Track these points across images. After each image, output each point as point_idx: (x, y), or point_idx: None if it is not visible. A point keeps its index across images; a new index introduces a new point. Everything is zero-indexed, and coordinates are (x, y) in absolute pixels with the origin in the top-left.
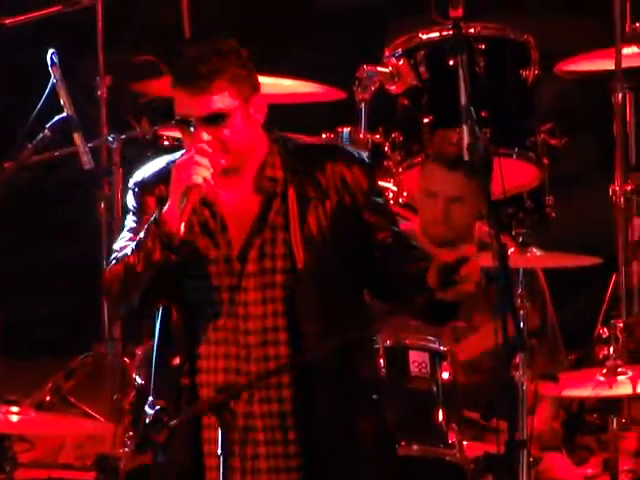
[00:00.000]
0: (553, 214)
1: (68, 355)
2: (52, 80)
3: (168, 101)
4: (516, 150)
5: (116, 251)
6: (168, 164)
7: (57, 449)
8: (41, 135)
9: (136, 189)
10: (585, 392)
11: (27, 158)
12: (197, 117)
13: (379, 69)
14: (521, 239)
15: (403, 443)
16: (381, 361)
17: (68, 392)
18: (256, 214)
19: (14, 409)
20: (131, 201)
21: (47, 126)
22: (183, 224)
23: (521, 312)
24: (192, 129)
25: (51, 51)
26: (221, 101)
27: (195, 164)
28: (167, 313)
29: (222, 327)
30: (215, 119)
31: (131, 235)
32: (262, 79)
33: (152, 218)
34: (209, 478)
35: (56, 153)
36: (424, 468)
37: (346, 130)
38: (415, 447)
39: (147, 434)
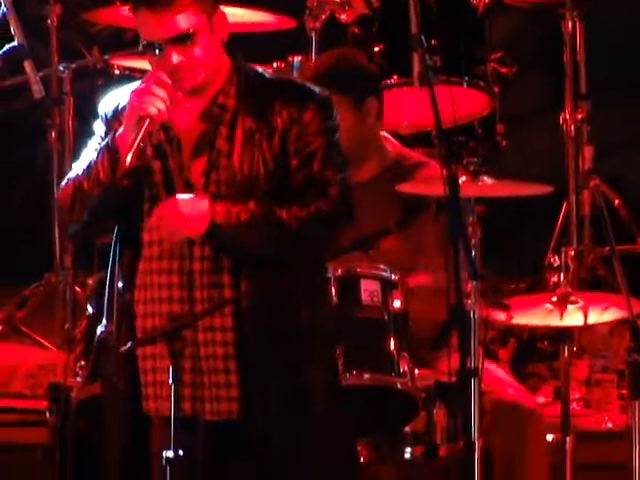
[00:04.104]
0: (504, 142)
1: (20, 285)
2: (2, 9)
3: (119, 30)
4: (466, 78)
5: (73, 171)
6: None
7: (8, 378)
8: None
9: (104, 114)
10: (535, 320)
11: None
12: (165, 39)
13: None
14: (472, 168)
15: (354, 372)
16: (332, 290)
17: (20, 321)
18: (204, 140)
19: None
20: (98, 125)
21: None
22: (131, 154)
23: (472, 241)
24: (157, 52)
25: None
26: (187, 20)
27: (151, 94)
28: (120, 237)
29: (167, 254)
30: (183, 39)
31: (90, 156)
32: None
33: (105, 141)
34: (145, 394)
35: (6, 82)
36: (375, 397)
37: (297, 59)
38: (366, 376)
39: (95, 359)
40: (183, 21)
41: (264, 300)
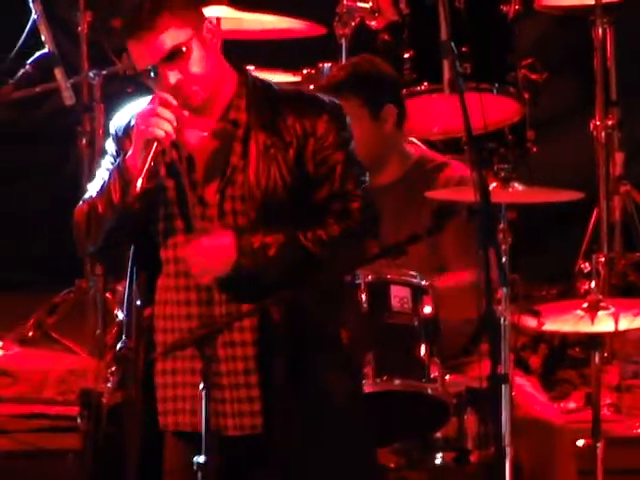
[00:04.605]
0: (534, 149)
1: (51, 291)
2: (33, 16)
3: None
4: (496, 85)
5: (89, 191)
6: None
7: (40, 384)
8: (22, 71)
9: (115, 132)
10: (566, 327)
11: (8, 94)
12: (156, 61)
13: (359, 4)
14: (503, 174)
15: (385, 377)
16: (363, 296)
17: (51, 327)
18: (218, 157)
19: None
20: (110, 144)
21: (28, 62)
22: (141, 179)
23: (503, 247)
24: (152, 75)
25: None
26: (171, 37)
27: (156, 116)
28: (137, 255)
29: (184, 272)
30: (173, 56)
31: (103, 176)
32: (243, 15)
33: (116, 162)
34: (163, 410)
35: (37, 89)
36: (406, 402)
37: (327, 66)
38: (397, 381)
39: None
40: (168, 39)
41: (285, 312)
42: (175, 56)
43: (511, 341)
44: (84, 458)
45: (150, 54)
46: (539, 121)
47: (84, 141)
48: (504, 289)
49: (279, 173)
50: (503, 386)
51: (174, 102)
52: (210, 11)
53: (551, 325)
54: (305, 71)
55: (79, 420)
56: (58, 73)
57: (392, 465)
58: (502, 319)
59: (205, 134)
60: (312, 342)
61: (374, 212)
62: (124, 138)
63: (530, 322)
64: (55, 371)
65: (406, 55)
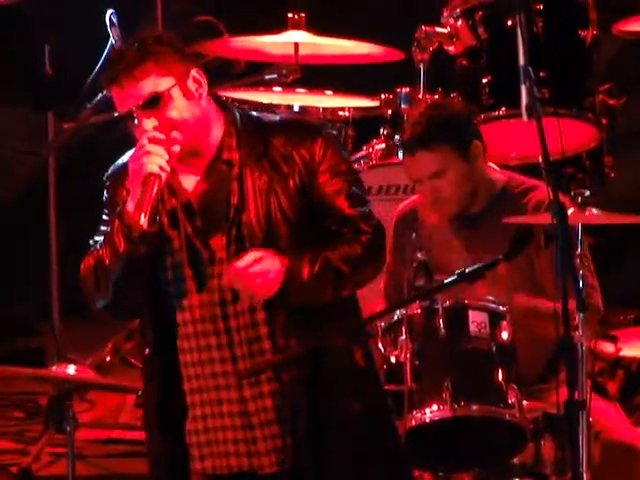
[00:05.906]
0: (612, 174)
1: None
2: (111, 41)
3: (226, 62)
4: (574, 110)
5: (92, 245)
6: None
7: (117, 409)
8: (100, 95)
9: (108, 182)
10: None
11: (86, 118)
12: (135, 108)
13: (437, 30)
14: (580, 199)
15: (462, 403)
16: (440, 321)
17: (128, 353)
18: (218, 199)
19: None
20: (105, 195)
21: None
22: (144, 215)
23: (580, 272)
24: (136, 122)
25: (110, 12)
26: (151, 84)
27: (147, 153)
28: (147, 307)
29: (199, 319)
30: (151, 103)
31: (105, 229)
32: (322, 40)
33: (117, 211)
34: (199, 454)
35: (115, 114)
36: (483, 428)
37: (405, 90)
38: (474, 407)
39: None
40: (147, 86)
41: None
42: (153, 103)
43: (588, 367)
44: None
45: (129, 101)
46: (615, 142)
47: None
48: (581, 315)
49: (279, 206)
50: (580, 412)
51: (162, 137)
52: (289, 36)
53: (628, 350)
54: (383, 96)
55: None
56: None
57: None
58: (579, 345)
59: (198, 178)
60: (335, 370)
61: (383, 231)
62: (119, 188)
63: (607, 348)
64: (132, 396)
65: (484, 80)
